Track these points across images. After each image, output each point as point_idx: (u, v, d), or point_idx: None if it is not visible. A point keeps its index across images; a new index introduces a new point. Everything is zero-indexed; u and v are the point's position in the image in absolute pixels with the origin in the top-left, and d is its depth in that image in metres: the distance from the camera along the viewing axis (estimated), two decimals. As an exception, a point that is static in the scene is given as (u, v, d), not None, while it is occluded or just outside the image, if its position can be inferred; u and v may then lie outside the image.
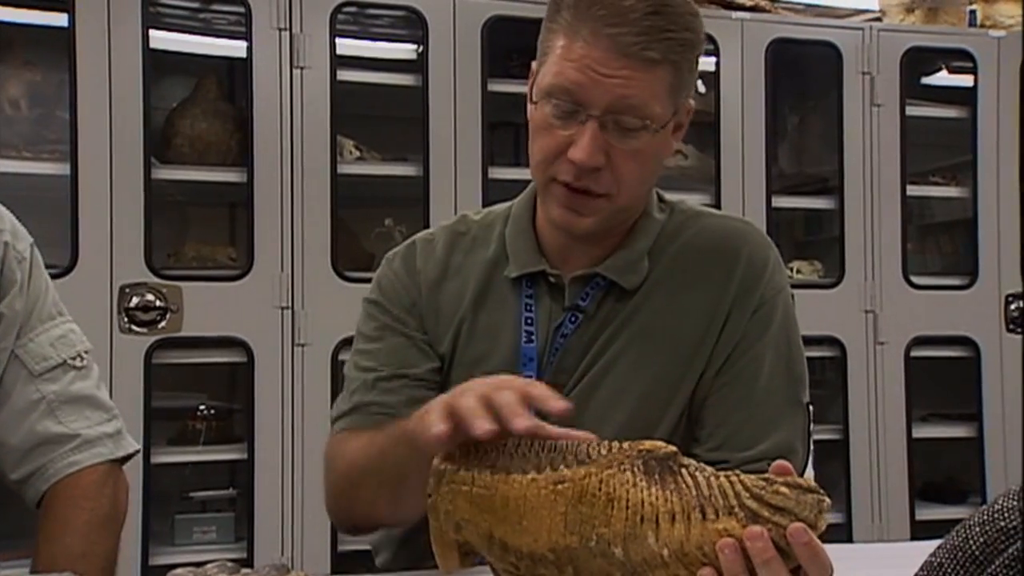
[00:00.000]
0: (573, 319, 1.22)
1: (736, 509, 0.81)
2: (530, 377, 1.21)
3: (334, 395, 1.34)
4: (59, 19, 2.51)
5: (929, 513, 3.08)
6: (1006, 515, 0.61)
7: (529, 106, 1.20)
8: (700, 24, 1.17)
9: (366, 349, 1.28)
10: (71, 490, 1.26)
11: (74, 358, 1.31)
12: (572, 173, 1.14)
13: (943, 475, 3.26)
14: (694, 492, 0.83)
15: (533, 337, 1.22)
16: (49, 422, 1.26)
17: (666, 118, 1.15)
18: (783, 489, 0.82)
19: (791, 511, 0.81)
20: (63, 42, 2.51)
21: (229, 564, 0.97)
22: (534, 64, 1.21)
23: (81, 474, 1.26)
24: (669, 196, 1.33)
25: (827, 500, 0.82)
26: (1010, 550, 0.59)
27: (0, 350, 1.25)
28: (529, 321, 1.23)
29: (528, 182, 1.29)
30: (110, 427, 1.31)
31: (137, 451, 1.34)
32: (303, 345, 2.63)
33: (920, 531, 3.05)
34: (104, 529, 1.26)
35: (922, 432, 3.14)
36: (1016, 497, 0.62)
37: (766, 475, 0.84)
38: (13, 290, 1.26)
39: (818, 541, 0.80)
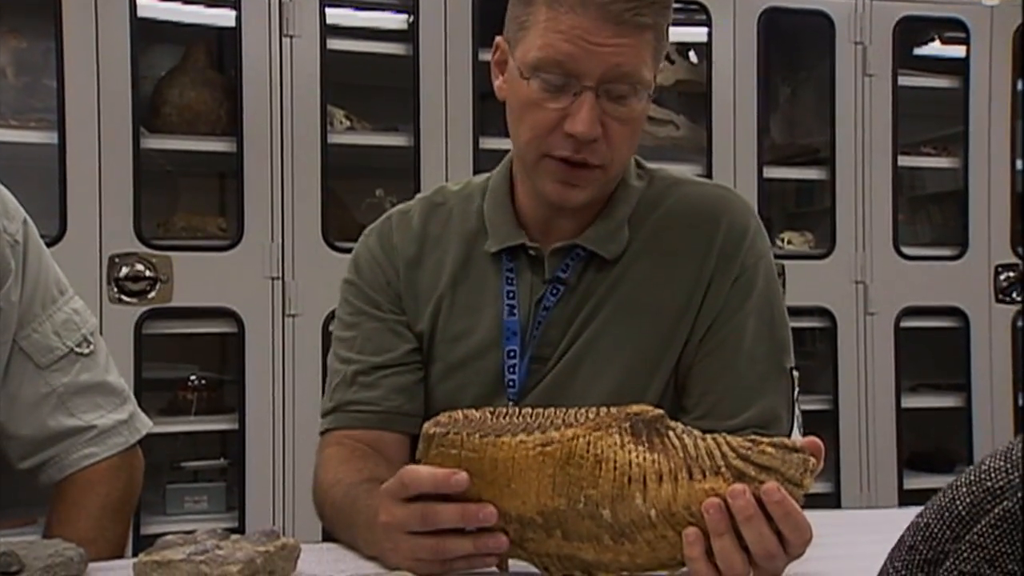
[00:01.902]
0: (555, 291, 1.22)
1: (723, 469, 0.82)
2: (514, 351, 1.21)
3: (324, 365, 1.34)
4: (45, -14, 2.49)
5: (917, 482, 3.11)
6: (993, 476, 0.61)
7: (497, 82, 1.19)
8: None
9: (344, 337, 1.29)
10: (87, 476, 1.25)
11: (80, 344, 1.27)
12: (571, 147, 1.12)
13: (931, 445, 3.29)
14: (681, 453, 0.83)
15: (515, 311, 1.22)
16: (61, 416, 1.24)
17: (651, 82, 1.14)
18: (769, 449, 0.82)
19: (777, 470, 0.81)
20: (49, 9, 2.49)
21: (219, 531, 0.97)
22: (499, 39, 1.18)
23: (97, 464, 1.25)
24: (654, 164, 1.33)
25: (813, 460, 0.82)
26: (996, 510, 0.59)
27: (1, 343, 1.21)
28: (511, 295, 1.22)
29: None
30: (124, 413, 1.29)
31: (151, 428, 1.33)
32: (293, 316, 2.63)
33: (908, 500, 3.07)
34: (118, 513, 1.26)
35: (911, 402, 3.16)
36: (1003, 458, 0.62)
37: (752, 436, 0.84)
38: (8, 281, 1.21)
39: (792, 501, 0.81)
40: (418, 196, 1.35)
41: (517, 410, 0.92)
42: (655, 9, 1.10)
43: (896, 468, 3.09)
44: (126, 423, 1.29)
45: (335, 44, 2.70)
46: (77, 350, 1.27)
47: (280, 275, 2.62)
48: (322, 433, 1.27)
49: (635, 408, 0.86)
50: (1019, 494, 0.58)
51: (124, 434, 1.28)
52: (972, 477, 0.61)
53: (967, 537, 0.59)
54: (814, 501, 0.82)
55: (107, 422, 1.27)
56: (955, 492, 0.61)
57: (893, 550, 0.65)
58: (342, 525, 1.11)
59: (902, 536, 0.65)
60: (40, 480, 1.26)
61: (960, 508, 0.60)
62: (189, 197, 2.99)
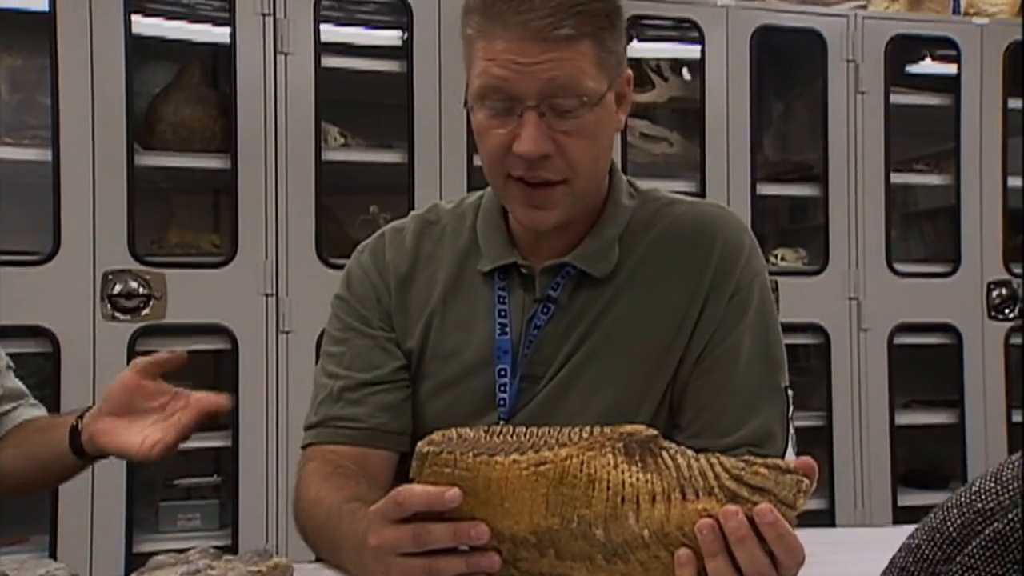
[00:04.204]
0: (546, 310, 1.22)
1: (716, 490, 0.82)
2: (505, 370, 1.21)
3: (317, 384, 1.34)
4: (40, 3, 2.49)
5: (911, 499, 3.11)
6: (983, 497, 0.61)
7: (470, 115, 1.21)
8: None
9: (332, 352, 1.29)
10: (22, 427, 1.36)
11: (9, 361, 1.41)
12: (523, 166, 1.14)
13: (925, 461, 3.29)
14: (674, 473, 0.83)
15: (507, 329, 1.22)
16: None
17: (600, 91, 1.13)
18: (762, 470, 0.82)
19: (770, 491, 0.82)
20: (44, 27, 2.49)
21: (211, 550, 0.97)
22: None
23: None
24: (651, 184, 1.33)
25: (806, 481, 0.83)
26: (987, 531, 0.59)
27: None
28: (502, 313, 1.23)
29: None
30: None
31: None
32: (287, 332, 2.63)
33: (902, 517, 3.07)
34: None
35: (904, 418, 3.16)
36: (993, 479, 0.62)
37: (746, 456, 0.84)
38: None
39: (785, 523, 0.81)
40: (412, 214, 1.36)
41: (511, 429, 0.92)
42: (582, 19, 1.10)
43: (890, 484, 3.09)
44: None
45: (329, 61, 2.71)
46: (9, 364, 1.42)
47: (274, 292, 2.62)
48: (304, 447, 1.27)
49: (629, 428, 0.86)
50: (1009, 515, 0.58)
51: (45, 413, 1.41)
52: (963, 499, 0.61)
53: (958, 559, 0.59)
54: (808, 518, 0.82)
55: (34, 403, 1.42)
56: (946, 513, 0.61)
57: (884, 572, 0.65)
58: (326, 546, 1.11)
59: (893, 558, 0.65)
60: None
61: (951, 529, 0.60)
62: (183, 214, 2.99)
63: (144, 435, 1.19)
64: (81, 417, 1.26)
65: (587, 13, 1.10)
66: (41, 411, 1.42)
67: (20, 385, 1.42)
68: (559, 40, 1.09)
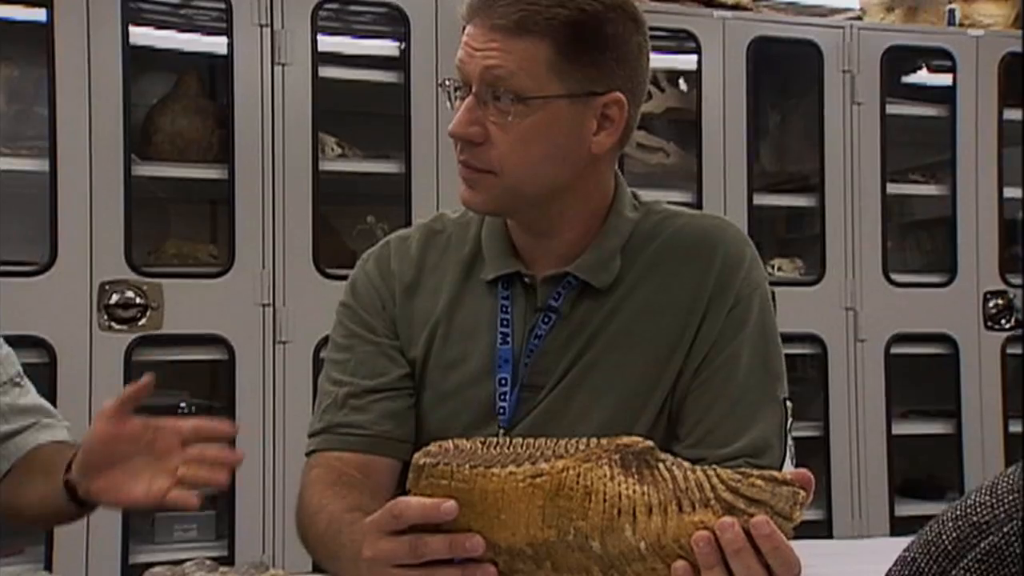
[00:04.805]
0: (546, 320, 1.23)
1: (712, 502, 0.82)
2: (505, 379, 1.22)
3: (316, 393, 1.34)
4: (38, 14, 2.50)
5: (908, 509, 3.11)
6: (979, 510, 0.61)
7: None
8: (588, 2, 1.14)
9: (337, 359, 1.29)
10: (36, 454, 1.32)
11: (15, 376, 1.37)
12: (455, 147, 1.18)
13: (922, 472, 3.29)
14: (671, 485, 0.84)
15: (508, 339, 1.23)
16: (5, 426, 1.33)
17: (540, 93, 1.13)
18: (758, 482, 0.82)
19: (766, 503, 0.82)
20: (42, 38, 2.49)
21: (207, 562, 0.97)
22: None
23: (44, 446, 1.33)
24: (648, 195, 1.34)
25: (803, 492, 0.83)
26: (982, 545, 0.59)
27: None
28: (505, 323, 1.23)
29: None
30: (64, 429, 1.38)
31: None
32: (285, 343, 2.62)
33: (899, 527, 3.07)
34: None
35: (902, 429, 3.16)
36: (988, 492, 0.62)
37: (742, 468, 0.84)
38: None
39: (781, 535, 0.81)
40: (417, 223, 1.37)
41: (508, 440, 0.92)
42: (539, 19, 1.11)
43: (887, 495, 3.09)
44: (69, 431, 1.38)
45: (327, 72, 2.71)
46: (15, 379, 1.37)
47: (271, 302, 2.62)
48: (308, 454, 1.27)
49: (625, 440, 0.86)
50: (1005, 528, 0.58)
51: (68, 436, 1.37)
52: (958, 511, 0.61)
53: (953, 572, 0.59)
54: (805, 529, 0.82)
55: (51, 421, 1.37)
56: (941, 527, 0.61)
57: (881, 584, 0.66)
58: (325, 554, 1.11)
59: (889, 571, 0.65)
60: None
61: (946, 543, 0.60)
62: (180, 224, 2.99)
63: (149, 483, 1.13)
64: (70, 468, 1.20)
65: (545, 16, 1.12)
66: (52, 432, 1.37)
67: (32, 400, 1.38)
68: (507, 31, 1.12)
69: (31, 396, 1.39)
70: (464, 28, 1.18)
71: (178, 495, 1.12)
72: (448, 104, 1.21)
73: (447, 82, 1.19)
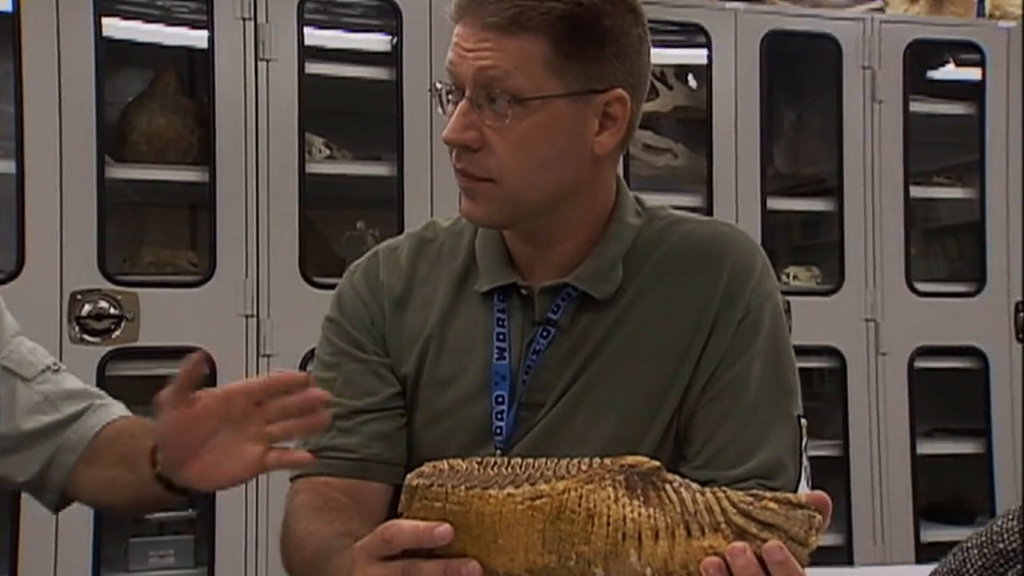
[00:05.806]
0: (545, 334, 1.23)
1: (723, 526, 0.82)
2: (502, 396, 1.22)
3: (300, 410, 1.34)
4: (4, 3, 2.50)
5: (935, 535, 3.10)
6: (1005, 537, 0.61)
7: None
8: None
9: (323, 378, 1.29)
10: (96, 442, 1.33)
11: (51, 364, 1.39)
12: (451, 154, 1.18)
13: (949, 494, 3.28)
14: (678, 508, 0.84)
15: (505, 354, 1.22)
16: (55, 413, 1.34)
17: (538, 93, 1.13)
18: (771, 504, 0.82)
19: (780, 527, 0.82)
20: (8, 29, 2.50)
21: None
22: None
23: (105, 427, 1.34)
24: (655, 199, 1.34)
25: (818, 516, 0.83)
26: (1009, 574, 0.60)
27: None
28: (501, 337, 1.23)
29: None
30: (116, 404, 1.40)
31: None
32: (269, 356, 2.63)
33: (925, 554, 3.06)
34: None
35: (927, 448, 3.16)
36: (1016, 518, 0.62)
37: (754, 491, 0.84)
38: None
39: (795, 562, 0.81)
40: (407, 232, 1.37)
41: (506, 461, 0.93)
42: (531, 14, 1.11)
43: (912, 519, 3.09)
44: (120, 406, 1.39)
45: (314, 68, 2.72)
46: (53, 367, 1.38)
47: (255, 313, 2.63)
48: (293, 479, 1.27)
49: (630, 459, 0.86)
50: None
51: (121, 410, 1.38)
52: (984, 538, 0.61)
53: (979, 602, 0.59)
54: (823, 556, 0.82)
55: (104, 401, 1.38)
56: (966, 554, 0.61)
57: (902, 613, 0.66)
58: None
59: (911, 599, 0.65)
60: (52, 479, 1.33)
61: (971, 571, 0.60)
62: (157, 230, 3.00)
63: (243, 455, 1.12)
64: (155, 455, 1.22)
65: (540, 11, 1.12)
66: (108, 412, 1.37)
67: (76, 384, 1.39)
68: (500, 29, 1.12)
69: (73, 380, 1.39)
70: (454, 28, 1.18)
71: (278, 455, 1.12)
72: (440, 109, 1.21)
73: (438, 85, 1.19)
